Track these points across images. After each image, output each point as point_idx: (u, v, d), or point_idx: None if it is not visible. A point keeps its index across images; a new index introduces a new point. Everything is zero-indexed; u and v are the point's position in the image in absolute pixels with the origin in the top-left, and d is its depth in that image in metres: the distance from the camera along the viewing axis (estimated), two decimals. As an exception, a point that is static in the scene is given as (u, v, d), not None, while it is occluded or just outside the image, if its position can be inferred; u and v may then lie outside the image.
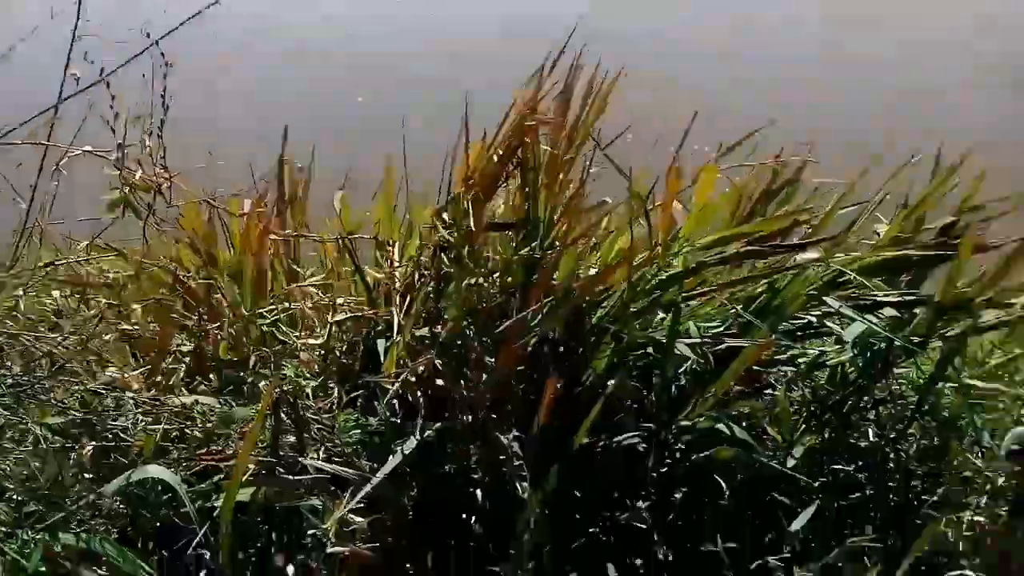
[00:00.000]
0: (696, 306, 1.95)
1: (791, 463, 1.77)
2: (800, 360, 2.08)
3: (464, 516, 1.88)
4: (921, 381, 2.04)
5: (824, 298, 1.92)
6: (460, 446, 1.79)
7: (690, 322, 1.84)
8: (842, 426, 2.05)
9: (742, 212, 2.07)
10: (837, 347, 2.03)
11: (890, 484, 2.03)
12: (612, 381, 1.91)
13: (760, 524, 1.95)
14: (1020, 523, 1.51)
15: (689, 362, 1.95)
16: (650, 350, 1.82)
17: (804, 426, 2.06)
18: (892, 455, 2.07)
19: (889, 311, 1.94)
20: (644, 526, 1.85)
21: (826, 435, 2.03)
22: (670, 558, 1.82)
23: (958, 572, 1.81)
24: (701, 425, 1.68)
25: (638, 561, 1.72)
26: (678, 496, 1.92)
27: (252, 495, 1.58)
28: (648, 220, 1.65)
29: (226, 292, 1.89)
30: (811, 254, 1.93)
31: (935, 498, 1.98)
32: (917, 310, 1.97)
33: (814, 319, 1.99)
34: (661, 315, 1.87)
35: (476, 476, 1.83)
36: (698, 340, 1.78)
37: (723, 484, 1.97)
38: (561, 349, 1.88)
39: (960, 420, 2.06)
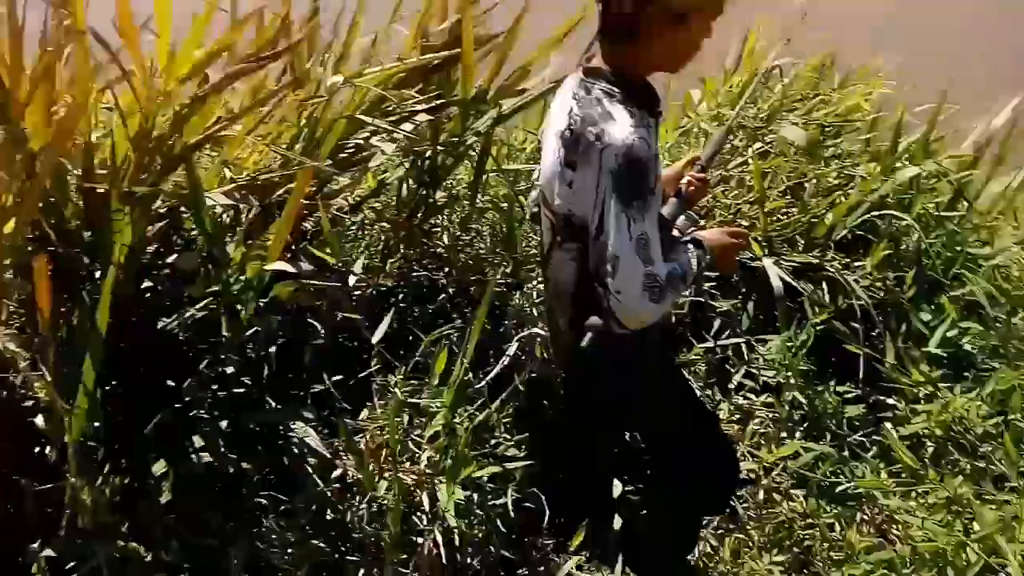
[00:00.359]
0: (237, 154, 1.83)
1: (352, 280, 1.82)
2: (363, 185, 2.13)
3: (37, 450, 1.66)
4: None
5: (361, 118, 1.93)
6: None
7: (225, 169, 1.73)
8: (417, 236, 2.16)
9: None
10: (388, 162, 2.09)
11: (470, 277, 2.22)
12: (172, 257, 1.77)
13: (365, 351, 2.03)
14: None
15: (247, 211, 1.88)
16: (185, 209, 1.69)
17: (384, 247, 2.14)
18: (468, 250, 2.26)
19: (424, 117, 2.03)
20: (244, 389, 1.81)
21: (404, 249, 2.14)
22: (276, 406, 1.81)
23: (531, 331, 2.08)
24: (251, 272, 1.62)
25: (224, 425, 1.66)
26: (273, 349, 1.89)
27: None
28: (118, 63, 1.46)
29: None
30: (336, 77, 1.90)
31: (506, 278, 2.23)
32: (450, 110, 2.09)
33: (361, 141, 2.01)
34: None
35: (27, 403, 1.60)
36: (234, 186, 1.69)
37: (318, 326, 1.99)
38: (88, 233, 1.66)
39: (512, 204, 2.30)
